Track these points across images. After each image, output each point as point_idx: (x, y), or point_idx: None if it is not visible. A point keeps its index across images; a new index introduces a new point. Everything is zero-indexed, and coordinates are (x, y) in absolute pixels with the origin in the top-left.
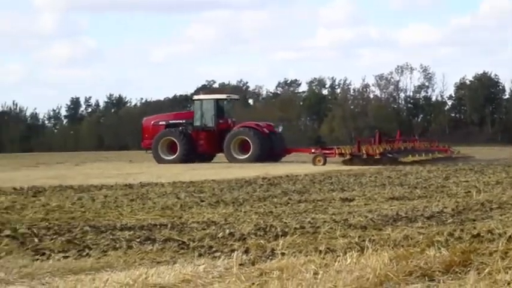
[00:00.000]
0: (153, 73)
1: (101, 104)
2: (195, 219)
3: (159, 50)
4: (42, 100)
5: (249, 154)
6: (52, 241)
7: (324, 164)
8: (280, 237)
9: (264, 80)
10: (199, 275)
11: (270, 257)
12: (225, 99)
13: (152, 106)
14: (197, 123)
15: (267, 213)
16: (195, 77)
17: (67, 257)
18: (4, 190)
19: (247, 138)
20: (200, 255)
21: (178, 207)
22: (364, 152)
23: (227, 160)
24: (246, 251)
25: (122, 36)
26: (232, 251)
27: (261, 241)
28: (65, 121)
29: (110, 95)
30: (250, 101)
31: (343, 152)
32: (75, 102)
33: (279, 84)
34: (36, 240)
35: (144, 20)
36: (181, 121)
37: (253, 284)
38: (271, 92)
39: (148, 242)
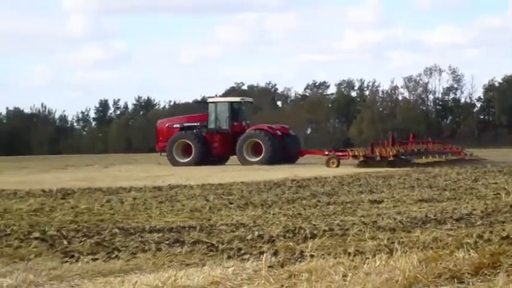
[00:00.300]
0: (182, 75)
1: (130, 107)
2: (223, 221)
3: (188, 52)
4: (71, 102)
5: (261, 156)
6: (81, 243)
7: (338, 166)
8: (309, 239)
9: (293, 82)
10: (228, 277)
11: (299, 259)
12: (239, 101)
13: (180, 108)
14: (211, 125)
15: (296, 215)
16: (223, 79)
17: (96, 259)
18: (33, 192)
19: (259, 141)
20: (229, 257)
21: (207, 210)
22: (377, 154)
23: (239, 162)
24: (275, 253)
25: (150, 39)
26: (261, 253)
27: (290, 243)
28: (93, 123)
29: (139, 97)
30: (279, 103)
31: (356, 154)
32: (104, 105)
33: (307, 86)
34: (65, 242)
35: (172, 22)
36: (195, 124)
37: (282, 286)
38: (299, 94)
39: (177, 244)
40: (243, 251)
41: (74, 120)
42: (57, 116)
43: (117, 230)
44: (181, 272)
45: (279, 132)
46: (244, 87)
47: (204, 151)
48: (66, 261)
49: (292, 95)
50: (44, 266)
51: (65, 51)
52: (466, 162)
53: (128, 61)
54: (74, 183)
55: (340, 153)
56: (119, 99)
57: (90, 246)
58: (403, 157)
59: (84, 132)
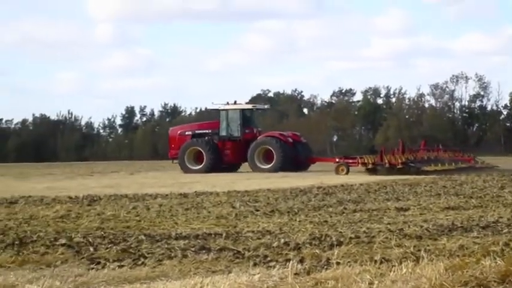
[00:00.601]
0: (208, 82)
1: (156, 113)
2: (250, 228)
3: (214, 59)
4: (98, 109)
5: (272, 163)
6: (107, 250)
7: (347, 173)
8: (335, 247)
9: (319, 89)
10: (254, 284)
11: (325, 267)
12: (251, 109)
13: (207, 115)
14: (223, 133)
15: (322, 222)
16: (249, 87)
17: (122, 266)
18: (59, 199)
19: (271, 148)
20: (255, 264)
21: (233, 217)
22: (386, 161)
23: (251, 169)
24: (301, 261)
25: (177, 46)
26: (287, 260)
27: (316, 250)
28: (119, 130)
29: (165, 104)
30: (305, 110)
31: (365, 161)
32: (130, 112)
33: (333, 94)
34: (91, 249)
35: (199, 29)
36: (207, 131)
37: None
38: (325, 101)
39: (204, 251)
40: (269, 258)
41: (100, 127)
42: (83, 122)
43: (143, 237)
44: (207, 279)
45: (290, 140)
46: (270, 95)
47: (216, 158)
48: (93, 268)
49: (319, 102)
50: (70, 273)
51: (92, 59)
52: (477, 170)
53: (155, 68)
54: (100, 190)
55: (349, 161)
56: (145, 106)
57: (116, 253)
58: (412, 165)
59: (110, 139)
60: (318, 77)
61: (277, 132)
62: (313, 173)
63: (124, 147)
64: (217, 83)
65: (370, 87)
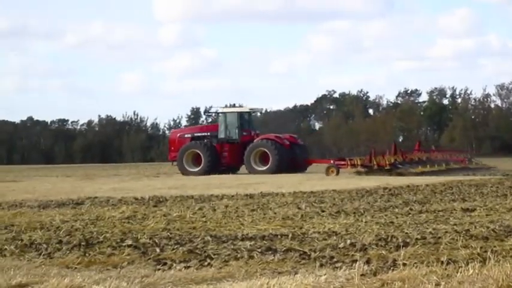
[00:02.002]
0: (273, 83)
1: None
2: (316, 229)
3: (280, 59)
4: (163, 110)
5: (268, 165)
6: (173, 251)
7: (337, 174)
8: (402, 248)
9: (384, 90)
10: (321, 285)
11: (392, 268)
12: (248, 112)
13: (272, 116)
14: (221, 135)
15: (388, 223)
16: (314, 88)
17: (188, 267)
18: (126, 200)
19: (266, 150)
20: (321, 265)
21: (299, 217)
22: (375, 163)
23: (247, 171)
24: (368, 262)
25: (242, 47)
26: (354, 261)
27: (382, 251)
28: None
29: (230, 104)
30: (370, 111)
31: (354, 163)
32: (196, 112)
33: (399, 94)
34: (157, 250)
35: (264, 30)
36: (206, 134)
37: None
38: (391, 102)
39: (270, 252)
40: (335, 259)
41: (165, 128)
42: (149, 123)
43: (209, 238)
44: (274, 280)
45: (286, 142)
46: (336, 95)
47: (214, 160)
48: (159, 269)
49: (384, 102)
50: (136, 274)
51: (157, 60)
52: (471, 171)
53: (220, 69)
54: (166, 191)
55: (339, 162)
56: (210, 107)
57: (182, 254)
58: (400, 166)
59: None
60: (383, 77)
61: (273, 134)
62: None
63: None
64: (283, 83)
65: (435, 88)
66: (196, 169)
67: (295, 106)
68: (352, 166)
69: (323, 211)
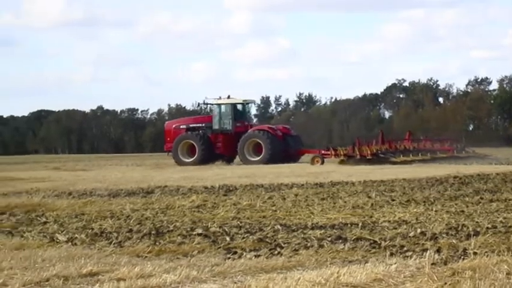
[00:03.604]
0: (345, 72)
1: (291, 103)
2: (386, 218)
3: (352, 49)
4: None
5: (261, 156)
6: (243, 240)
7: (322, 163)
8: (472, 237)
9: (455, 78)
10: (391, 274)
11: (462, 257)
12: (242, 103)
13: (342, 105)
14: (216, 126)
15: (459, 212)
16: (384, 76)
17: (258, 255)
18: (196, 189)
19: (259, 141)
20: (392, 254)
21: (369, 206)
22: (357, 152)
23: (241, 161)
24: (438, 251)
25: (314, 36)
26: (424, 250)
27: (453, 240)
28: (254, 120)
29: (300, 94)
30: (440, 100)
31: (338, 153)
32: (266, 101)
33: (469, 83)
34: (227, 238)
35: (337, 19)
36: (201, 125)
37: (445, 283)
38: (461, 91)
39: (340, 241)
40: (405, 248)
41: None
42: None
43: (279, 227)
44: (344, 269)
45: (279, 133)
46: (405, 84)
47: (207, 150)
48: (229, 258)
49: (454, 91)
50: (206, 262)
51: (227, 48)
52: (460, 159)
53: (291, 58)
54: (236, 180)
55: (324, 152)
56: (280, 96)
57: (252, 243)
58: (382, 155)
59: None
60: (453, 66)
61: (266, 125)
62: (448, 162)
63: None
64: (354, 72)
65: (506, 76)
66: (191, 159)
67: (364, 95)
68: (336, 156)
69: (393, 200)
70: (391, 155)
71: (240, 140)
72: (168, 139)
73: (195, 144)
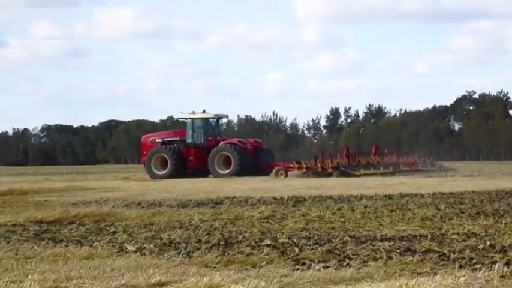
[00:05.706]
0: (414, 83)
1: (360, 115)
2: (455, 230)
3: (421, 60)
4: (302, 110)
5: (230, 168)
6: (312, 251)
7: (286, 176)
8: None
9: None
10: (460, 286)
11: None
12: (213, 117)
13: (412, 116)
14: (189, 140)
15: None
16: (454, 89)
17: (327, 267)
18: (264, 200)
19: (229, 154)
20: (461, 266)
21: (438, 218)
22: (319, 165)
23: (212, 175)
24: (507, 263)
25: (384, 47)
26: (493, 263)
27: None
28: (324, 131)
29: (369, 105)
30: (511, 112)
31: (301, 166)
32: (335, 113)
33: None
34: (296, 249)
35: (406, 31)
36: (175, 138)
37: None
38: None
39: (409, 253)
40: (474, 261)
41: (305, 128)
42: (288, 123)
43: (348, 238)
44: (413, 281)
45: (249, 146)
46: (475, 96)
47: (179, 164)
48: (298, 269)
49: None
50: (275, 273)
51: (298, 60)
52: (420, 172)
53: (361, 69)
54: (305, 191)
55: (289, 165)
56: (349, 108)
57: (321, 254)
58: (342, 169)
59: (315, 140)
60: None
61: (236, 139)
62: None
63: (328, 148)
64: (424, 84)
65: None
66: (163, 172)
67: (434, 106)
68: (298, 169)
69: (462, 212)
70: (352, 168)
71: (210, 154)
72: (145, 152)
73: (167, 157)
